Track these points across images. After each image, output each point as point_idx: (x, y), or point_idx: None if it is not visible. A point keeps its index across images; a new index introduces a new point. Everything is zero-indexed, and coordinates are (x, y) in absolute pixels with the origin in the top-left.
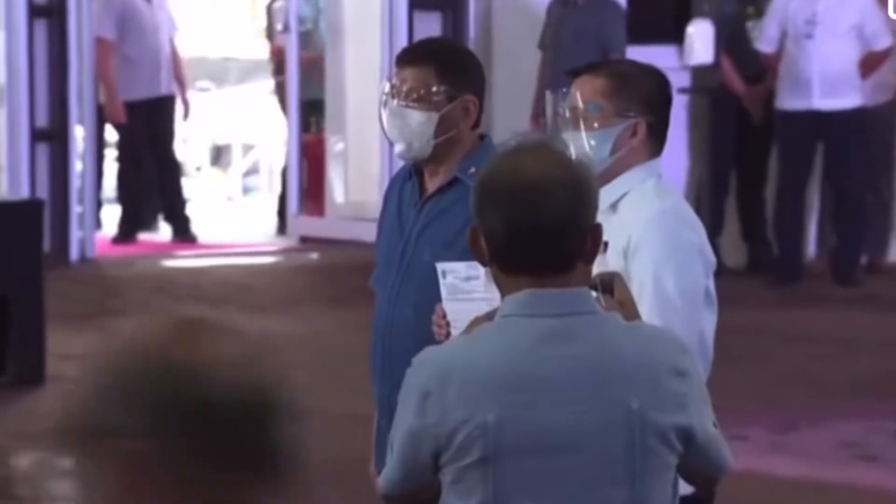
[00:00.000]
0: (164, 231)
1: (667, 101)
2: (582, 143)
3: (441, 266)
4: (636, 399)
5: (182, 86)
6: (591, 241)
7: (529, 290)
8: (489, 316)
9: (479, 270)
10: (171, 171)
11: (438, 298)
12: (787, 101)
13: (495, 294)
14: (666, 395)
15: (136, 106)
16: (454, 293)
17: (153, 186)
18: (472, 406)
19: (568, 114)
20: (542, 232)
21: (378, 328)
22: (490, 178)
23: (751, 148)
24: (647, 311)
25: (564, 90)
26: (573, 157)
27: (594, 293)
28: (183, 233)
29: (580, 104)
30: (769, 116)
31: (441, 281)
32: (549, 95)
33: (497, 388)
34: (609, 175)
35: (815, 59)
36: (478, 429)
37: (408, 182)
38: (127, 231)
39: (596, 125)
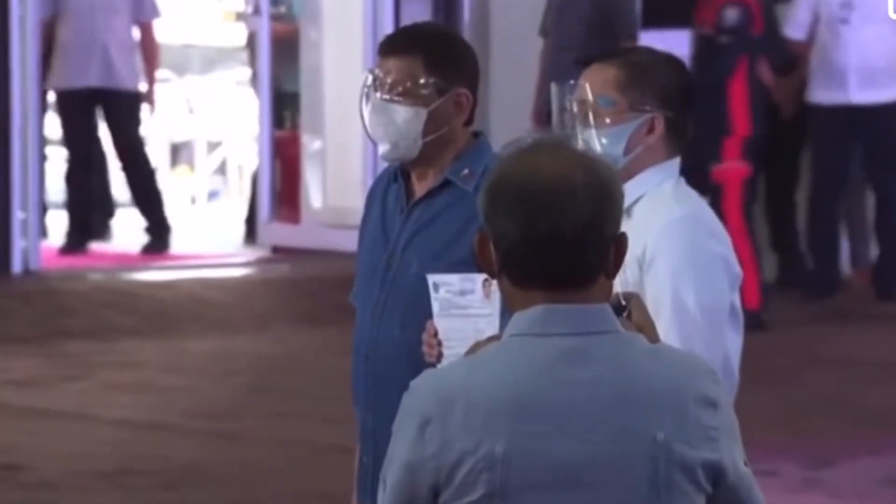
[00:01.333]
0: (118, 240)
1: (687, 94)
2: (592, 142)
3: (432, 278)
4: (661, 430)
5: (149, 78)
6: (615, 252)
7: (543, 306)
8: (494, 339)
9: (475, 283)
10: (135, 174)
11: (428, 315)
12: (821, 94)
13: (491, 310)
14: (695, 426)
15: (69, 97)
16: (447, 308)
17: (104, 189)
18: (478, 435)
19: (576, 108)
20: (560, 241)
21: (361, 350)
22: (503, 179)
23: (781, 146)
24: (665, 329)
25: (572, 82)
26: (596, 156)
27: None
28: (161, 245)
29: (590, 98)
30: (801, 111)
31: (433, 295)
32: (554, 88)
33: (506, 415)
34: (623, 176)
35: (851, 47)
36: (484, 461)
37: (393, 185)
38: (76, 240)
39: (608, 121)
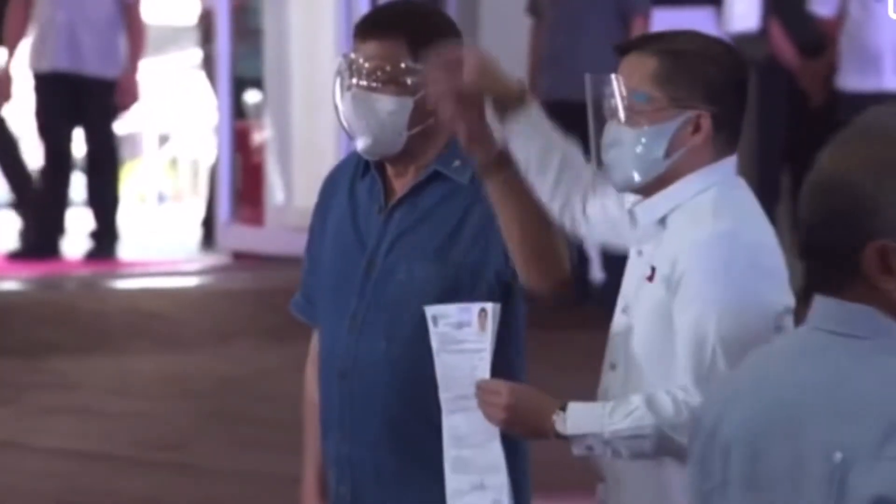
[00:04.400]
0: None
1: (738, 87)
2: (629, 143)
3: (431, 311)
4: (841, 449)
5: (133, 65)
6: (873, 260)
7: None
8: None
9: (472, 314)
10: (98, 173)
11: (417, 325)
12: (852, 80)
13: (484, 344)
14: (888, 459)
15: (41, 81)
16: (445, 344)
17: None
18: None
19: (611, 104)
20: (801, 242)
21: (333, 368)
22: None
23: (808, 139)
24: (681, 363)
25: (614, 74)
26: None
27: None
28: (106, 251)
29: (623, 93)
30: (831, 99)
31: (431, 329)
32: (589, 80)
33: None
34: (665, 181)
35: (886, 27)
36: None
37: (361, 180)
38: (39, 246)
39: (643, 120)
